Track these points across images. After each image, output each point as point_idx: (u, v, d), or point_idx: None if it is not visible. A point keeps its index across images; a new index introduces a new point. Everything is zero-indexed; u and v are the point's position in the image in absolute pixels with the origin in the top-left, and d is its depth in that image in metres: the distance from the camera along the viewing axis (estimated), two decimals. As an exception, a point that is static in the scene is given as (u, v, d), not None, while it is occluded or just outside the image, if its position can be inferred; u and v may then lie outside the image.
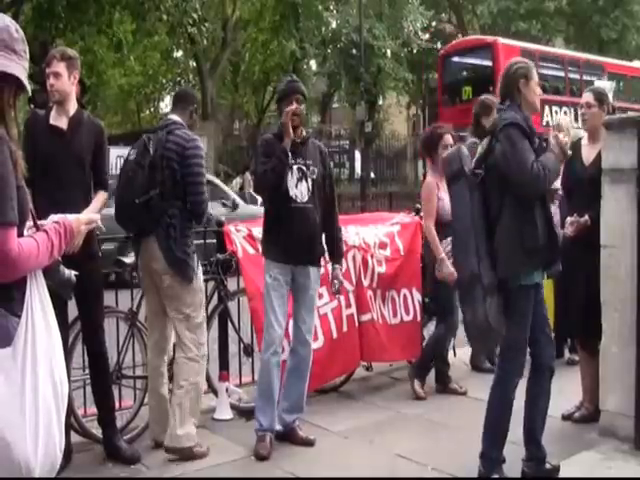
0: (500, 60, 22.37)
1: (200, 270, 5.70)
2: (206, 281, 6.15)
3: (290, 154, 5.68)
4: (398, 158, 39.01)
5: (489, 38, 25.73)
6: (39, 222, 3.11)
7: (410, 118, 52.04)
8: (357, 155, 37.72)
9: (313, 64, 40.41)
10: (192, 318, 5.58)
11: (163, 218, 5.43)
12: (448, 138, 7.08)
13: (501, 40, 24.53)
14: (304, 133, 5.85)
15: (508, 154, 4.71)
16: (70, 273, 3.17)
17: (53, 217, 3.19)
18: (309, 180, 5.79)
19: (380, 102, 41.44)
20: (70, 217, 3.20)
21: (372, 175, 36.07)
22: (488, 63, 23.83)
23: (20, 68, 2.98)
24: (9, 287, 2.90)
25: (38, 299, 2.98)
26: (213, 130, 30.40)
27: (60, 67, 5.33)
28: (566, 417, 6.39)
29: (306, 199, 5.74)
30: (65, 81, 5.34)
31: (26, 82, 2.99)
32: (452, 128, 7.44)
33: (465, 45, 26.89)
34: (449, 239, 6.56)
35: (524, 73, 4.92)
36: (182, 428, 5.54)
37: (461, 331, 5.96)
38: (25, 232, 3.01)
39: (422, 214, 7.30)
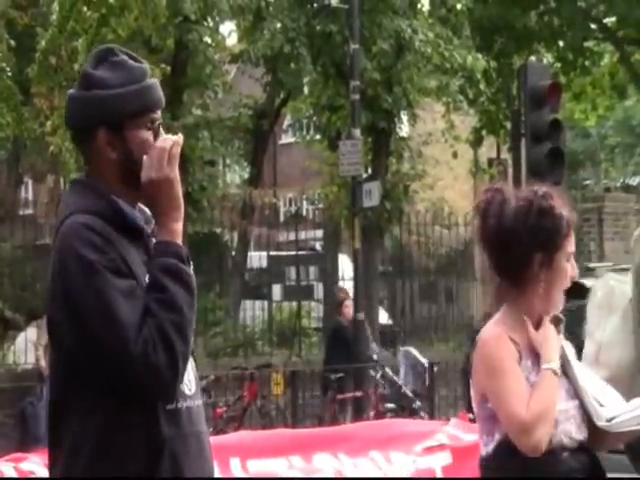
0: None
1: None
2: None
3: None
4: (450, 272, 18.28)
5: None
6: None
7: (481, 170, 22.68)
8: (344, 264, 16.90)
9: (228, 31, 19.29)
10: None
11: None
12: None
13: None
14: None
15: None
16: None
17: None
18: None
19: (403, 131, 18.73)
20: None
21: (384, 318, 16.48)
22: None
23: None
24: None
25: None
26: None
27: None
28: None
29: (194, 389, 2.68)
30: None
31: None
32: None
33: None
34: None
35: None
36: None
37: None
38: None
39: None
